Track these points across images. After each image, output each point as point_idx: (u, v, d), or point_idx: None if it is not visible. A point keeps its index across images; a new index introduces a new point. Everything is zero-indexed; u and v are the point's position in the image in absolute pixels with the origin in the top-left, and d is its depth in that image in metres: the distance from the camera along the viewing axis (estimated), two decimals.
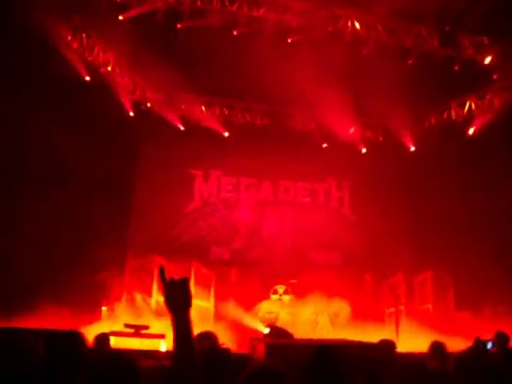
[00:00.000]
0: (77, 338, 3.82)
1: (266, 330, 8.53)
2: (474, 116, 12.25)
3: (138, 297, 11.09)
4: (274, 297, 11.85)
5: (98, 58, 11.59)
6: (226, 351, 3.37)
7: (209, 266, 11.99)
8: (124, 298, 11.07)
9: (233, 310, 11.19)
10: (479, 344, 4.88)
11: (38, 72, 10.25)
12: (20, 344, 3.26)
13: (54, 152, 10.77)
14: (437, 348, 5.35)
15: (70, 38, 11.02)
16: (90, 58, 11.39)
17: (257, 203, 13.71)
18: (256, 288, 11.89)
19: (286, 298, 11.86)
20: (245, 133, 13.49)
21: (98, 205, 11.22)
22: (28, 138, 10.57)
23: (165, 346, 8.14)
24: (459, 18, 10.71)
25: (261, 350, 6.29)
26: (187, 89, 12.93)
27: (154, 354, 6.80)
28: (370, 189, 13.40)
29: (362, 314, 11.50)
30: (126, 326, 8.52)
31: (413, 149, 13.24)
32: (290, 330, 9.19)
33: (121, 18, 10.75)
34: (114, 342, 6.88)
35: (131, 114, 12.47)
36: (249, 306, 11.67)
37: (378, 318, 11.45)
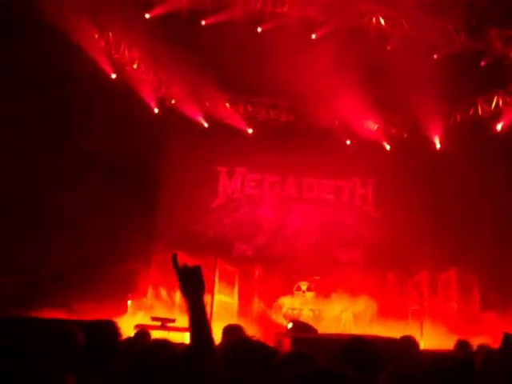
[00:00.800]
0: (113, 327, 3.92)
1: (290, 325, 8.56)
2: (501, 112, 12.06)
3: (163, 291, 11.22)
4: (297, 293, 11.86)
5: (124, 56, 11.75)
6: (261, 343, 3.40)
7: (232, 263, 12.07)
8: (149, 292, 11.22)
9: (257, 305, 11.27)
10: (509, 339, 4.83)
11: (65, 71, 10.46)
12: (64, 332, 3.36)
13: (83, 149, 10.99)
14: (462, 347, 5.32)
15: (96, 36, 11.19)
16: (116, 56, 11.54)
17: (281, 200, 13.73)
18: (279, 284, 11.93)
19: (310, 294, 11.87)
20: (269, 129, 13.53)
21: (125, 201, 11.40)
22: (53, 135, 10.79)
23: None
24: (486, 11, 10.58)
25: (286, 345, 6.34)
26: (211, 86, 13.01)
27: (180, 347, 6.89)
28: (394, 186, 13.30)
29: (385, 312, 11.45)
30: (153, 318, 8.65)
31: (438, 146, 13.10)
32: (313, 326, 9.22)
33: (147, 16, 10.89)
34: None
35: (156, 110, 12.61)
36: (272, 302, 11.71)
37: (401, 315, 11.39)
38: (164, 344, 3.14)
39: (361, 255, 13.32)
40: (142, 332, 5.11)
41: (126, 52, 11.71)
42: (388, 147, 13.54)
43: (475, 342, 5.41)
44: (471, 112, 12.69)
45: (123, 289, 10.64)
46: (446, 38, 11.22)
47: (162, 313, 9.84)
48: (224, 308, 10.65)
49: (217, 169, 13.65)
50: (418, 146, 13.36)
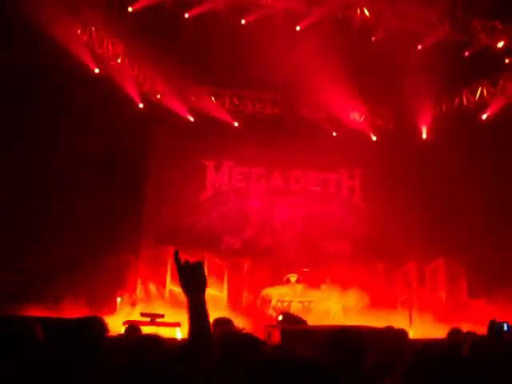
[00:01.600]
0: (99, 323, 3.91)
1: (280, 317, 8.60)
2: (486, 102, 12.16)
3: (152, 287, 11.20)
4: (286, 285, 11.90)
5: (108, 51, 11.62)
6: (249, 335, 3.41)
7: (221, 256, 12.07)
8: (138, 288, 11.19)
9: (246, 298, 11.30)
10: (495, 326, 4.87)
11: (47, 67, 10.35)
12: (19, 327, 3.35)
13: (68, 147, 10.91)
14: (454, 335, 5.35)
15: (79, 31, 11.05)
16: (99, 51, 11.42)
17: (268, 193, 13.73)
18: (268, 277, 11.96)
19: (299, 286, 11.91)
20: (255, 122, 13.50)
21: (112, 197, 11.35)
22: (39, 132, 10.70)
23: (181, 333, 8.24)
24: (470, 2, 10.63)
25: (276, 337, 6.36)
26: (196, 80, 12.95)
27: (170, 342, 6.89)
28: (381, 177, 13.36)
29: (374, 303, 11.53)
30: (142, 314, 8.64)
31: (424, 136, 13.17)
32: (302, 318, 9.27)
33: (130, 9, 10.80)
34: None
35: (141, 105, 12.53)
36: (261, 294, 11.74)
37: (390, 305, 11.47)
38: (154, 339, 3.14)
39: (348, 247, 13.38)
40: (132, 327, 5.10)
41: (110, 47, 11.58)
42: (374, 138, 13.58)
43: (464, 329, 5.46)
44: (456, 102, 12.77)
45: (112, 285, 10.60)
46: (431, 29, 11.27)
47: (152, 308, 9.83)
48: (213, 302, 10.64)
49: (204, 163, 13.60)
50: (404, 137, 13.43)
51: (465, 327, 5.68)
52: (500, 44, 11.01)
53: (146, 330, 8.15)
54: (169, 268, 11.25)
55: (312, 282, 11.97)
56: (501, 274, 10.82)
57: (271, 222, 13.51)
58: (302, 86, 12.06)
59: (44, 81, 10.55)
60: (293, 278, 11.96)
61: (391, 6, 11.08)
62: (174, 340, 7.29)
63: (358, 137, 13.33)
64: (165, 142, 12.68)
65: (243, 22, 11.20)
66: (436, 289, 12.21)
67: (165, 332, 7.85)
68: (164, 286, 11.29)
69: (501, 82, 11.86)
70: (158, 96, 12.87)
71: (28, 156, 10.38)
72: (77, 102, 10.95)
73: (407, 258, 12.09)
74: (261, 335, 6.87)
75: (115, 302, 10.62)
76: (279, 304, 11.43)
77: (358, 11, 11.10)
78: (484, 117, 12.07)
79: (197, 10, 10.88)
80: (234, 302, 11.40)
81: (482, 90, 12.24)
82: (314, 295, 11.83)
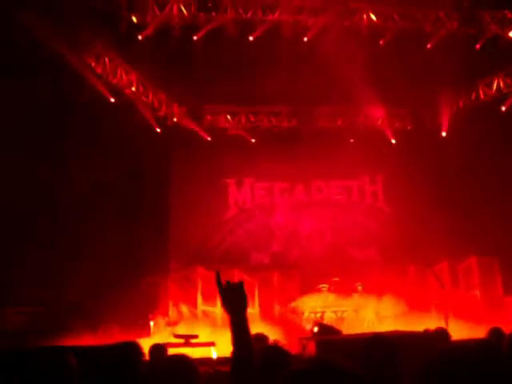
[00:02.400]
0: (134, 348, 3.93)
1: (315, 329, 8.53)
2: (503, 94, 11.99)
3: (184, 308, 11.22)
4: (317, 296, 11.79)
5: (122, 80, 11.85)
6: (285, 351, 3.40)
7: (250, 272, 12.04)
8: (170, 309, 11.23)
9: (278, 312, 11.23)
10: None
11: (65, 100, 10.62)
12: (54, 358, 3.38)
13: (89, 176, 11.11)
14: (495, 334, 5.23)
15: (93, 64, 11.31)
16: (114, 81, 11.65)
17: (292, 205, 13.73)
18: (299, 289, 11.88)
19: (330, 296, 11.79)
20: (272, 137, 13.57)
21: (137, 224, 11.51)
22: (64, 165, 10.94)
23: (216, 353, 8.23)
24: None
25: (311, 348, 6.30)
26: (211, 100, 13.11)
27: (206, 361, 6.89)
28: (403, 180, 13.24)
29: (408, 306, 11.30)
30: (176, 336, 8.66)
31: (444, 134, 13.03)
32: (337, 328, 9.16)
33: (140, 37, 11.02)
34: None
35: (158, 130, 12.71)
36: (293, 307, 11.65)
37: (424, 308, 11.26)
38: (183, 359, 3.16)
39: (377, 252, 13.23)
40: (157, 348, 5.07)
41: (124, 76, 11.81)
42: (393, 141, 13.48)
43: (502, 327, 5.33)
44: (473, 97, 12.62)
45: (144, 309, 10.66)
46: (440, 26, 11.21)
47: (185, 330, 9.85)
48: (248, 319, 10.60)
49: (225, 181, 13.69)
50: (423, 137, 13.31)
51: (503, 326, 5.54)
52: (511, 33, 10.87)
53: (181, 351, 8.19)
54: (199, 288, 11.28)
55: (343, 290, 11.84)
56: None
57: (297, 234, 13.48)
58: (317, 96, 12.11)
59: (63, 114, 10.81)
60: (324, 288, 11.86)
61: (397, 8, 11.06)
62: (209, 359, 7.30)
63: (376, 141, 13.26)
64: (184, 164, 12.82)
65: (251, 38, 11.31)
66: (470, 288, 11.94)
67: (200, 352, 7.87)
68: (195, 307, 11.30)
69: None
70: (175, 119, 13.05)
71: (53, 185, 10.61)
72: (95, 132, 11.17)
73: (438, 258, 11.87)
74: (295, 348, 6.82)
75: (148, 325, 10.66)
76: (312, 315, 11.32)
77: (365, 17, 11.12)
78: (503, 108, 11.90)
79: (204, 31, 11.03)
80: (266, 316, 11.32)
81: (498, 82, 12.08)
82: (346, 304, 11.69)
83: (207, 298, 11.33)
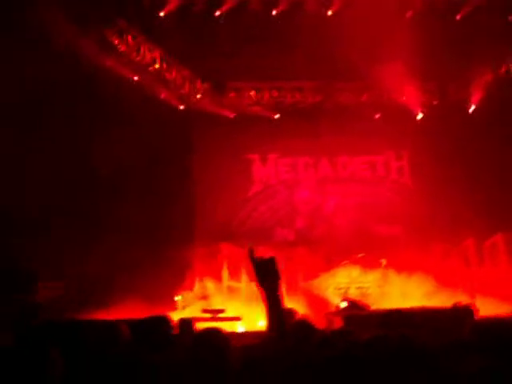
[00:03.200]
0: (165, 321, 4.02)
1: (344, 304, 8.60)
2: None
3: (210, 283, 11.38)
4: (342, 272, 11.82)
5: (145, 58, 11.83)
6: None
7: (275, 249, 12.09)
8: (196, 285, 11.40)
9: (303, 288, 11.29)
10: None
11: (88, 78, 10.68)
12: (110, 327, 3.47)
13: (114, 155, 11.21)
14: None
15: (116, 42, 11.30)
16: (137, 59, 11.64)
17: (316, 181, 13.67)
18: (323, 265, 11.92)
19: (355, 272, 11.81)
20: (296, 112, 13.44)
21: (162, 201, 11.61)
22: (87, 143, 11.06)
23: (242, 327, 8.36)
24: None
25: (338, 323, 6.36)
26: (234, 76, 13.03)
27: (233, 336, 7.00)
28: (429, 155, 13.04)
29: (434, 284, 11.23)
30: (204, 311, 8.81)
31: (472, 109, 12.74)
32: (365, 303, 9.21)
33: (162, 14, 10.97)
34: None
35: (181, 107, 12.72)
36: (318, 282, 11.72)
37: (451, 286, 11.19)
38: (216, 332, 3.23)
39: (402, 229, 13.13)
40: (185, 322, 5.18)
41: (147, 53, 11.79)
42: (420, 116, 13.25)
43: None
44: (503, 70, 12.26)
45: (170, 284, 10.84)
46: None
47: (211, 305, 10.01)
48: None
49: (249, 157, 13.67)
50: (450, 112, 13.04)
51: None
52: None
53: (208, 325, 8.32)
54: (225, 264, 11.43)
55: (368, 266, 11.84)
56: None
57: (322, 210, 13.44)
58: (341, 70, 11.94)
59: (86, 92, 10.88)
60: (348, 264, 11.87)
61: None
62: (235, 334, 7.41)
63: (402, 116, 13.05)
64: (209, 141, 12.82)
65: (274, 12, 11.17)
66: (496, 265, 11.83)
67: (226, 326, 7.99)
68: (221, 282, 11.46)
69: None
70: (198, 96, 13.02)
71: (77, 164, 10.76)
72: (119, 110, 11.23)
73: (464, 236, 11.76)
74: (321, 323, 6.88)
75: (174, 300, 10.86)
76: (337, 291, 11.38)
77: None
78: None
79: (227, 6, 10.92)
80: (291, 292, 11.42)
81: None
82: (370, 280, 11.71)
83: (232, 274, 11.48)
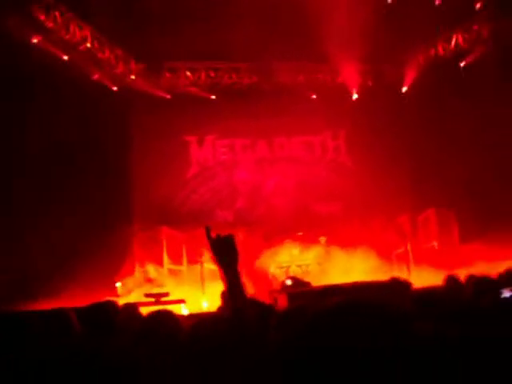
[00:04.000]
0: (111, 307, 3.93)
1: (289, 282, 8.77)
2: (462, 49, 12.17)
3: (151, 268, 11.23)
4: (282, 251, 12.00)
5: (75, 36, 11.30)
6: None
7: (215, 230, 12.05)
8: (137, 270, 11.22)
9: (244, 268, 11.35)
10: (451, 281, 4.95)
11: (15, 57, 10.07)
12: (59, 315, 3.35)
13: (45, 136, 10.71)
14: (452, 280, 5.48)
15: (43, 18, 10.71)
16: (67, 37, 11.10)
17: (254, 162, 13.73)
18: (263, 245, 12.03)
19: (295, 250, 12.02)
20: (233, 93, 13.38)
21: (99, 186, 11.24)
22: (17, 124, 10.48)
23: (187, 309, 8.32)
24: None
25: (283, 301, 6.46)
26: (169, 56, 12.75)
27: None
28: (365, 134, 13.42)
29: (374, 258, 11.61)
30: (147, 295, 8.68)
31: (404, 89, 13.20)
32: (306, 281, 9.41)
33: None
34: None
35: (115, 88, 12.31)
36: (259, 262, 11.83)
37: (387, 259, 11.63)
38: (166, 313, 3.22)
39: (341, 207, 13.49)
40: (128, 306, 5.06)
41: (78, 31, 11.27)
42: (355, 96, 13.56)
43: (460, 274, 5.56)
44: (432, 52, 12.75)
45: (110, 273, 10.57)
46: None
47: (153, 289, 9.88)
48: (214, 275, 10.70)
49: (186, 139, 13.50)
50: (384, 92, 13.43)
51: (460, 272, 5.78)
52: None
53: (152, 309, 8.22)
54: (164, 247, 11.29)
55: (307, 245, 12.08)
56: (493, 215, 11.02)
57: (261, 190, 13.54)
58: (277, 51, 11.94)
59: (13, 72, 10.27)
60: (288, 243, 12.06)
61: None
62: (181, 316, 7.36)
63: (338, 96, 13.31)
64: (144, 123, 12.53)
65: None
66: (429, 238, 12.42)
67: (171, 310, 7.93)
68: (162, 266, 11.33)
69: (475, 28, 11.85)
70: (133, 77, 12.64)
71: (6, 146, 10.18)
72: (50, 91, 10.69)
73: (400, 211, 12.24)
74: (266, 300, 6.97)
75: (115, 287, 10.63)
76: (278, 270, 11.55)
77: None
78: (462, 64, 12.12)
79: None
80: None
81: (457, 38, 12.24)
82: (311, 257, 11.96)
83: (173, 257, 11.37)
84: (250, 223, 12.62)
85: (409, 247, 10.39)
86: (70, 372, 1.81)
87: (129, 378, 1.79)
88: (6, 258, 9.73)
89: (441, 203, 12.00)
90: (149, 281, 10.62)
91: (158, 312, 3.21)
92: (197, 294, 9.54)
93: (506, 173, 11.08)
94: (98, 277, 9.98)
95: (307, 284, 8.52)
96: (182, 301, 8.48)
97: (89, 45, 11.44)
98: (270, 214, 12.97)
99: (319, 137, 14.14)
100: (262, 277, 11.25)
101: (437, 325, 2.10)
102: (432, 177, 12.33)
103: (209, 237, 2.25)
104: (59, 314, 3.30)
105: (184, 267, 11.34)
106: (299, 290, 7.71)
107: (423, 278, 9.25)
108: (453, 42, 12.30)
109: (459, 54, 12.28)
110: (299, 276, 10.40)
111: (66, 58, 11.08)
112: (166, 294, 8.63)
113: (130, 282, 10.82)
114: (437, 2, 11.43)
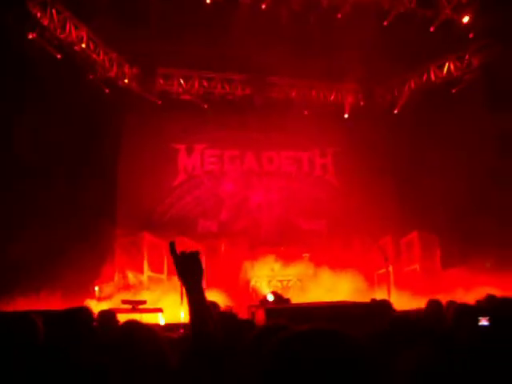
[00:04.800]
0: (85, 313, 3.84)
1: (271, 297, 8.72)
2: (454, 77, 12.35)
3: (130, 274, 11.08)
4: (264, 265, 11.94)
5: (71, 36, 11.24)
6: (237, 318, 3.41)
7: (197, 240, 11.99)
8: (116, 276, 11.06)
9: (225, 280, 11.27)
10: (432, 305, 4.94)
11: (9, 53, 9.97)
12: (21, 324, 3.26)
13: (36, 139, 10.58)
14: (434, 305, 5.48)
15: (39, 14, 10.64)
16: (62, 36, 11.04)
17: (241, 174, 13.70)
18: (245, 258, 11.97)
19: (276, 266, 11.96)
20: (225, 104, 13.37)
21: (84, 188, 11.09)
22: (6, 122, 10.34)
23: (163, 319, 8.21)
24: None
25: (260, 316, 6.40)
26: (165, 63, 12.74)
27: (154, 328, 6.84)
28: (353, 154, 13.49)
29: (355, 278, 11.59)
30: (124, 302, 8.54)
31: (395, 112, 13.32)
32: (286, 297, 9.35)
33: None
34: None
35: (107, 91, 12.24)
36: (240, 275, 11.76)
37: (368, 280, 11.62)
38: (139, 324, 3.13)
39: (325, 224, 13.50)
40: (105, 313, 4.99)
41: (73, 31, 11.21)
42: (346, 116, 13.64)
43: (440, 299, 5.57)
44: (425, 78, 12.91)
45: (89, 276, 10.43)
46: (397, 4, 11.32)
47: (131, 296, 9.74)
48: None
49: (175, 147, 13.44)
50: (375, 113, 13.54)
51: (441, 297, 5.80)
52: (465, 19, 11.15)
53: (129, 317, 8.09)
54: (145, 254, 11.17)
55: (290, 260, 12.04)
56: (474, 242, 11.07)
57: (246, 203, 13.51)
58: (272, 66, 12.01)
59: (3, 68, 10.15)
60: (270, 257, 12.01)
61: None
62: (157, 326, 7.26)
63: (329, 115, 13.37)
64: (135, 128, 12.47)
65: (208, 1, 11.02)
66: (411, 261, 12.45)
67: (147, 318, 7.82)
68: (142, 273, 11.19)
69: (467, 57, 12.05)
70: (126, 81, 12.59)
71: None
72: (41, 89, 10.58)
73: (383, 233, 12.26)
74: (244, 315, 6.90)
75: (93, 292, 10.47)
76: (258, 284, 11.48)
77: None
78: (454, 91, 12.29)
79: None
80: (212, 285, 11.39)
81: (449, 65, 12.41)
82: (291, 273, 11.91)
83: (154, 265, 11.24)
84: (234, 235, 12.57)
85: (390, 269, 10.38)
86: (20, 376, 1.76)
87: None
88: None
89: (424, 227, 12.04)
90: (128, 287, 10.47)
91: (131, 326, 3.13)
92: (175, 304, 9.43)
93: (489, 201, 11.18)
94: (78, 279, 9.84)
95: (287, 301, 8.47)
96: (159, 310, 8.37)
97: (84, 45, 11.38)
98: (254, 226, 12.93)
99: (307, 153, 14.18)
100: (242, 289, 11.19)
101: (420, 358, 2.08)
102: (416, 200, 12.40)
103: (173, 252, 2.15)
104: (24, 318, 3.21)
105: (164, 276, 11.22)
106: (277, 306, 7.65)
107: (403, 301, 9.25)
108: (445, 69, 12.47)
109: (450, 81, 12.45)
110: (279, 291, 10.34)
111: (59, 56, 10.98)
112: (144, 302, 8.51)
113: (109, 287, 10.66)
114: (431, 29, 11.60)
